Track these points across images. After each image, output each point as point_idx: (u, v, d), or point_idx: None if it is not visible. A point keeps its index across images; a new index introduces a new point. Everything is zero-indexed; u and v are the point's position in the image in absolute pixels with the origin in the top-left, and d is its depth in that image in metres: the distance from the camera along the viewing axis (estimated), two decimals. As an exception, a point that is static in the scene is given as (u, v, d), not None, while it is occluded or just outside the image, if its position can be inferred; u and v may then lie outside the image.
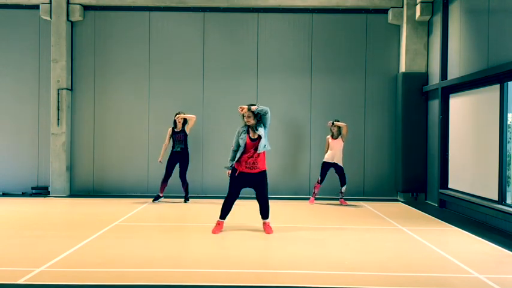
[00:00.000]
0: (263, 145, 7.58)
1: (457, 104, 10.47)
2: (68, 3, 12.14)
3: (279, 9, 12.31)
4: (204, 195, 12.21)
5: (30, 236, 7.48)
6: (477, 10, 9.64)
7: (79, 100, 12.39)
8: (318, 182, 11.13)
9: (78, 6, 12.16)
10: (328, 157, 10.99)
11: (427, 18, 11.71)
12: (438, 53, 11.14)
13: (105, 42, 12.39)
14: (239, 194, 7.81)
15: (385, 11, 12.27)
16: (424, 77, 11.86)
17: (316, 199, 11.39)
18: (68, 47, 12.18)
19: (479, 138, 9.41)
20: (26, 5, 12.30)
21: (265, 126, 7.64)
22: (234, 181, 7.70)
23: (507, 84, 8.56)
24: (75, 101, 12.38)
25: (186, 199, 11.08)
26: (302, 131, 12.37)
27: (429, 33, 11.84)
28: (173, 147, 10.97)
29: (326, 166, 11.02)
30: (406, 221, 9.02)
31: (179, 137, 10.92)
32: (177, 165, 10.98)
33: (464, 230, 8.30)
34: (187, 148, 11.01)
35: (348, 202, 11.15)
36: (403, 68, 11.99)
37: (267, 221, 7.86)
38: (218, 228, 7.80)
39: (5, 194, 12.22)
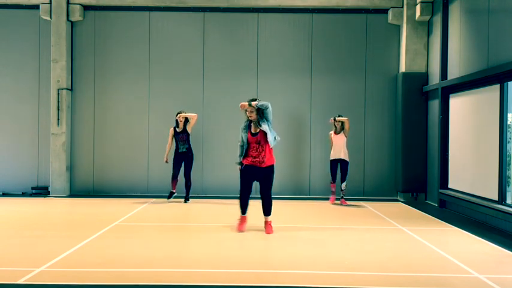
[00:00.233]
0: (272, 138, 7.61)
1: (457, 104, 10.47)
2: (68, 3, 12.14)
3: (279, 9, 12.31)
4: (204, 195, 12.20)
5: (30, 236, 7.48)
6: (477, 10, 9.63)
7: (79, 100, 12.39)
8: (330, 182, 11.11)
9: (78, 6, 12.16)
10: (333, 154, 10.98)
11: (427, 18, 11.71)
12: (438, 53, 11.13)
13: (105, 42, 12.39)
14: (251, 187, 7.85)
15: (385, 11, 12.27)
16: (424, 77, 11.86)
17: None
18: (68, 47, 12.18)
19: (479, 138, 9.41)
20: (26, 5, 12.30)
21: (268, 121, 7.65)
22: (243, 175, 7.78)
23: (507, 84, 8.56)
24: (75, 101, 12.38)
25: (186, 199, 11.09)
26: (302, 131, 12.36)
27: (429, 33, 11.84)
28: (177, 148, 10.99)
29: (333, 164, 10.99)
30: (406, 221, 9.01)
31: (182, 138, 10.93)
32: (183, 164, 11.04)
33: (464, 230, 8.30)
34: (191, 147, 11.03)
35: (348, 202, 11.14)
36: (403, 68, 11.99)
37: (269, 219, 7.83)
38: (242, 224, 7.85)
39: (5, 194, 12.22)
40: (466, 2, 10.08)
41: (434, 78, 11.41)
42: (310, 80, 12.35)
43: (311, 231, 7.99)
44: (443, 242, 7.46)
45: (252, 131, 7.68)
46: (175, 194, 11.22)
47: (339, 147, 10.89)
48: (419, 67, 11.92)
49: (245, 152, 7.71)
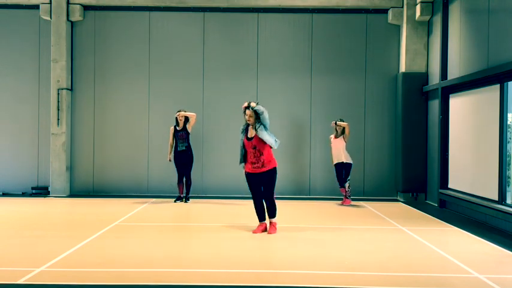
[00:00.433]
0: (272, 140, 7.58)
1: (457, 104, 10.47)
2: (68, 3, 12.13)
3: (279, 9, 12.31)
4: (204, 195, 12.20)
5: (30, 236, 7.48)
6: (477, 10, 9.63)
7: (79, 100, 12.39)
8: (339, 187, 11.06)
9: (78, 6, 12.16)
10: (334, 158, 10.94)
11: (427, 18, 11.71)
12: (438, 53, 11.13)
13: (105, 42, 12.39)
14: (259, 191, 7.76)
15: (385, 11, 12.26)
16: (424, 77, 11.86)
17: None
18: (68, 47, 12.18)
19: (479, 138, 9.41)
20: (26, 5, 12.30)
21: (265, 127, 7.62)
22: (248, 183, 7.82)
23: (507, 84, 8.56)
24: (75, 101, 12.38)
25: (187, 199, 11.09)
26: (302, 131, 12.36)
27: (429, 33, 11.84)
28: (176, 146, 11.01)
29: (338, 168, 10.90)
30: (406, 221, 9.01)
31: (181, 136, 10.94)
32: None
33: (464, 230, 8.30)
34: (191, 146, 11.03)
35: (348, 202, 11.11)
36: (403, 68, 11.99)
37: (273, 220, 7.82)
38: (257, 229, 7.81)
39: (5, 194, 12.22)
40: (466, 2, 10.08)
41: (434, 78, 11.41)
42: (310, 80, 12.35)
43: (311, 231, 7.99)
44: (443, 242, 7.46)
45: (248, 135, 7.66)
46: (183, 197, 11.20)
47: (338, 151, 10.86)
48: (419, 67, 11.92)
49: (245, 159, 7.71)
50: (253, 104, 7.58)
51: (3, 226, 8.25)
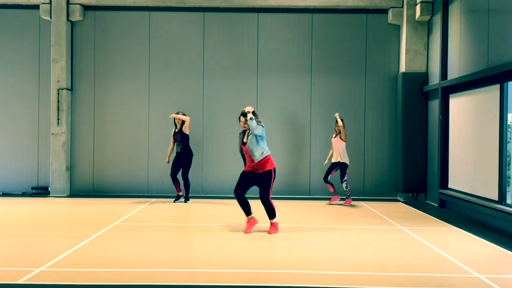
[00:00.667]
0: (259, 154, 7.62)
1: (457, 104, 10.47)
2: (68, 3, 12.14)
3: (279, 9, 12.31)
4: (205, 195, 12.20)
5: (30, 236, 7.48)
6: (477, 10, 9.63)
7: (79, 100, 12.39)
8: (325, 182, 11.08)
9: (78, 6, 12.16)
10: (333, 157, 10.99)
11: (427, 18, 11.71)
12: (438, 53, 11.13)
13: (105, 42, 12.39)
14: (246, 189, 7.81)
15: (385, 11, 12.26)
16: (424, 77, 11.86)
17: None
18: (68, 47, 12.18)
19: (479, 138, 9.41)
20: (26, 5, 12.30)
21: (257, 140, 7.66)
22: (240, 177, 7.85)
23: (507, 84, 8.56)
24: (75, 101, 12.38)
25: (187, 199, 11.09)
26: (302, 131, 12.36)
27: (429, 33, 11.84)
28: (176, 147, 11.06)
29: (332, 165, 10.97)
30: (406, 221, 9.01)
31: (177, 138, 10.99)
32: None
33: (464, 230, 8.30)
34: (188, 148, 11.00)
35: (346, 202, 11.10)
36: (403, 68, 11.99)
37: (274, 221, 7.84)
38: (248, 226, 7.83)
39: (5, 194, 12.22)
40: (466, 2, 10.08)
41: (434, 78, 11.41)
42: (310, 80, 12.35)
43: (311, 231, 7.99)
44: (443, 242, 7.46)
45: (244, 140, 7.83)
46: (182, 196, 11.20)
47: (336, 150, 10.90)
48: (419, 67, 11.92)
49: (244, 161, 7.91)
50: (249, 116, 7.58)
51: (3, 226, 8.25)
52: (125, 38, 12.39)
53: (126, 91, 12.38)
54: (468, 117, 9.93)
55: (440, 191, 10.75)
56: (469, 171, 9.78)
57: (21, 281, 5.25)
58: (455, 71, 10.43)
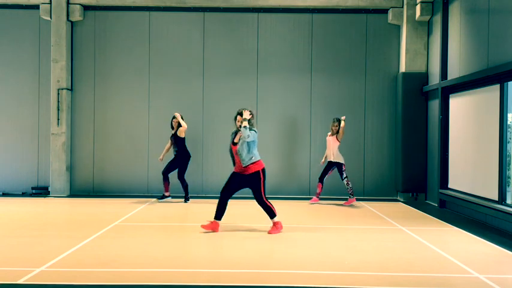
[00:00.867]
0: (248, 159, 7.60)
1: (457, 104, 10.47)
2: (68, 3, 12.13)
3: (279, 9, 12.31)
4: (204, 195, 12.21)
5: (30, 236, 7.48)
6: (477, 10, 9.63)
7: (79, 100, 12.39)
8: (318, 181, 11.12)
9: (78, 6, 12.16)
10: (327, 157, 11.02)
11: (427, 18, 11.71)
12: (438, 53, 11.13)
13: (105, 42, 12.39)
14: (232, 191, 7.79)
15: (385, 11, 12.26)
16: (424, 77, 11.86)
17: (318, 199, 11.41)
18: (68, 47, 12.18)
19: (479, 138, 9.41)
20: (26, 5, 12.30)
21: (248, 145, 7.63)
22: (229, 178, 7.85)
23: (507, 84, 8.56)
24: (75, 101, 12.38)
25: (186, 199, 11.10)
26: (302, 131, 12.36)
27: (429, 33, 11.84)
28: (173, 149, 11.17)
29: (327, 165, 11.00)
30: (406, 221, 9.01)
31: (172, 140, 11.04)
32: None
33: (464, 230, 8.30)
34: (183, 150, 10.99)
35: (346, 202, 11.10)
36: (403, 68, 11.99)
37: (275, 220, 7.82)
38: (209, 226, 7.79)
39: (5, 194, 12.22)
40: (466, 2, 10.08)
41: (434, 78, 11.41)
42: (310, 79, 12.35)
43: (311, 231, 7.99)
44: (443, 242, 7.46)
45: (235, 140, 7.78)
46: (170, 197, 11.22)
47: (330, 150, 10.91)
48: (419, 67, 11.92)
49: (233, 160, 7.82)
50: (243, 124, 7.55)
51: (3, 226, 8.25)
52: (125, 38, 12.39)
53: (126, 91, 12.38)
54: (468, 117, 9.93)
55: (440, 191, 10.75)
56: (469, 171, 9.78)
57: (21, 281, 5.25)
58: (455, 71, 10.43)
